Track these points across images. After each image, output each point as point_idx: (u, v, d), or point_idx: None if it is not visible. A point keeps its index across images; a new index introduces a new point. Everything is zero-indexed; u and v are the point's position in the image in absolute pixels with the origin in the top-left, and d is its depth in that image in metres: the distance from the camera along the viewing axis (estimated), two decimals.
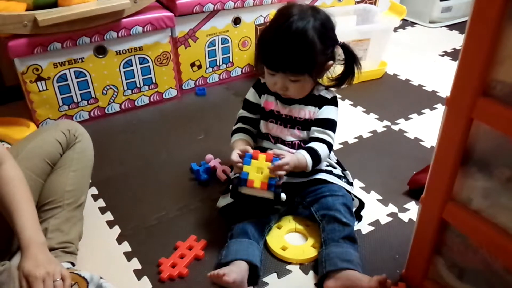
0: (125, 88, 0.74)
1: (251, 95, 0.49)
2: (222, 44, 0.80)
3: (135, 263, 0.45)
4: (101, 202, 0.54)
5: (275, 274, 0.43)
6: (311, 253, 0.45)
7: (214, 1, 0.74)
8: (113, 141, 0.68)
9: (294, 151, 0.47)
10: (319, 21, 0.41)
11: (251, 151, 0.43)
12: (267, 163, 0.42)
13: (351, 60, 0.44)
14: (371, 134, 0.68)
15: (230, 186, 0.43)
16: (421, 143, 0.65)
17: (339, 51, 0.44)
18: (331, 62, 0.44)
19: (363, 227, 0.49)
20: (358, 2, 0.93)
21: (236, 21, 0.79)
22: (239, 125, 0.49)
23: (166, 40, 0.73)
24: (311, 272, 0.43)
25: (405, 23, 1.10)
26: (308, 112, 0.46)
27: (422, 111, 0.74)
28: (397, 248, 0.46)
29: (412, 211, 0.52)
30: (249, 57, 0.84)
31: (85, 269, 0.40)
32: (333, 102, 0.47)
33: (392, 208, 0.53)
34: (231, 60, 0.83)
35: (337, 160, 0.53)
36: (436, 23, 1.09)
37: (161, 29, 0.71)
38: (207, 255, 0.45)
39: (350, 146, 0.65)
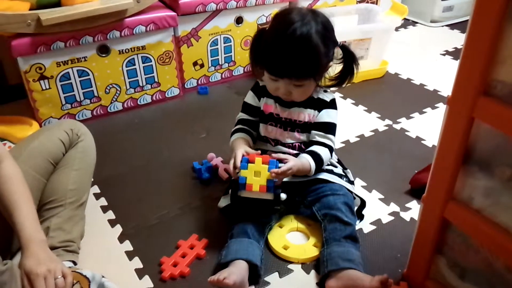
0: (128, 87, 0.74)
1: (250, 98, 0.49)
2: (224, 43, 0.81)
3: (137, 262, 0.45)
4: (103, 201, 0.55)
5: (276, 273, 0.43)
6: (313, 252, 0.45)
7: (216, 1, 0.75)
8: (115, 140, 0.68)
9: (295, 152, 0.47)
10: (320, 24, 0.41)
11: (252, 151, 0.43)
12: (264, 165, 0.41)
13: (350, 59, 0.44)
14: (372, 133, 0.68)
15: (230, 191, 0.43)
16: (422, 142, 0.65)
17: (337, 51, 0.44)
18: (331, 63, 0.44)
19: (364, 226, 0.49)
20: (359, 2, 0.94)
21: (239, 20, 0.80)
22: (239, 126, 0.49)
23: (169, 39, 0.74)
24: (312, 272, 0.43)
25: (406, 23, 1.10)
26: (307, 115, 0.46)
27: (424, 110, 0.74)
28: (398, 247, 0.46)
29: (413, 210, 0.52)
30: None
31: (87, 267, 0.40)
32: (332, 104, 0.47)
33: (393, 207, 0.53)
34: (233, 59, 0.83)
35: (338, 159, 0.53)
36: (438, 23, 1.09)
37: (164, 29, 0.72)
38: (209, 254, 0.45)
39: (352, 145, 0.65)
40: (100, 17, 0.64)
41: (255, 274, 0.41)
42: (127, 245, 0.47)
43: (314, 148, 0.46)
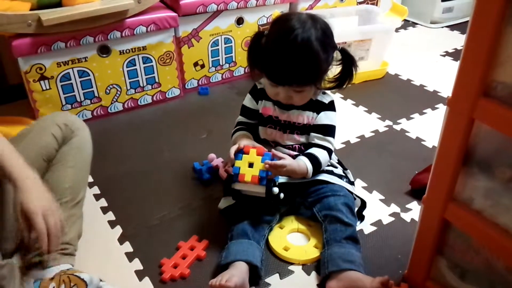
0: (128, 87, 0.74)
1: (248, 101, 0.49)
2: (225, 43, 0.81)
3: (137, 264, 0.45)
4: (103, 202, 0.55)
5: (277, 274, 0.43)
6: (314, 253, 0.45)
7: (217, 2, 0.75)
8: (115, 141, 0.68)
9: (294, 153, 0.47)
10: (320, 31, 0.41)
11: (257, 145, 0.43)
12: (258, 157, 0.41)
13: (349, 62, 0.44)
14: (373, 134, 0.68)
15: (224, 202, 0.44)
16: (423, 142, 0.65)
17: (336, 53, 0.44)
18: (330, 66, 0.44)
19: (365, 227, 0.49)
20: (360, 3, 0.94)
21: (239, 21, 0.80)
22: (239, 127, 0.49)
23: (170, 40, 0.74)
24: (313, 273, 0.43)
25: (406, 24, 1.10)
26: (306, 117, 0.46)
27: (424, 111, 0.74)
28: (399, 248, 0.46)
29: (414, 211, 0.52)
30: None
31: (86, 269, 0.40)
32: (331, 106, 0.47)
33: (394, 208, 0.53)
34: (234, 59, 0.84)
35: (338, 159, 0.53)
36: (438, 24, 1.09)
37: (165, 29, 0.72)
38: (209, 256, 0.45)
39: (352, 146, 0.65)
40: (101, 17, 0.64)
41: (256, 276, 0.41)
42: (127, 247, 0.47)
43: (313, 150, 0.45)
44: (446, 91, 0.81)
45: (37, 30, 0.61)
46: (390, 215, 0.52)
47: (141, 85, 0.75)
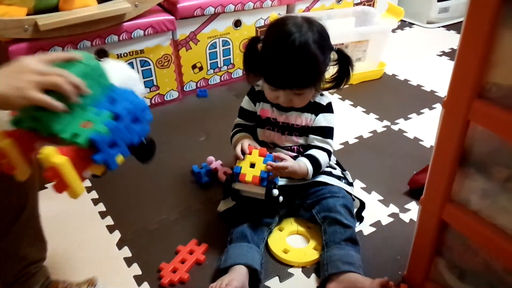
0: None
1: (246, 103, 0.50)
2: (223, 46, 0.81)
3: (136, 269, 0.44)
4: (101, 207, 0.54)
5: (277, 278, 0.43)
6: (313, 255, 0.45)
7: (214, 5, 0.75)
8: None
9: (293, 154, 0.47)
10: (317, 33, 0.41)
11: (258, 147, 0.43)
12: (260, 158, 0.42)
13: (345, 62, 0.44)
14: (371, 134, 0.68)
15: (222, 205, 0.44)
16: (420, 142, 0.66)
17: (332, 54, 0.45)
18: (327, 67, 0.44)
19: (364, 228, 0.49)
20: (356, 4, 0.94)
21: (237, 23, 0.80)
22: (238, 128, 0.49)
23: (167, 43, 0.74)
24: (313, 275, 0.43)
25: (403, 24, 1.11)
26: (304, 119, 0.46)
27: (421, 110, 0.74)
28: (398, 249, 0.46)
29: (413, 211, 0.52)
30: None
31: (85, 274, 0.40)
32: (329, 108, 0.47)
33: (393, 208, 0.53)
34: (232, 61, 0.84)
35: (336, 160, 0.53)
36: (434, 24, 1.10)
37: (162, 32, 0.72)
38: (208, 259, 0.45)
39: (351, 146, 0.65)
40: (98, 21, 0.64)
41: (255, 279, 0.41)
42: (126, 251, 0.47)
43: (313, 152, 0.46)
44: (443, 90, 0.80)
45: (34, 35, 0.61)
46: (389, 215, 0.52)
47: None
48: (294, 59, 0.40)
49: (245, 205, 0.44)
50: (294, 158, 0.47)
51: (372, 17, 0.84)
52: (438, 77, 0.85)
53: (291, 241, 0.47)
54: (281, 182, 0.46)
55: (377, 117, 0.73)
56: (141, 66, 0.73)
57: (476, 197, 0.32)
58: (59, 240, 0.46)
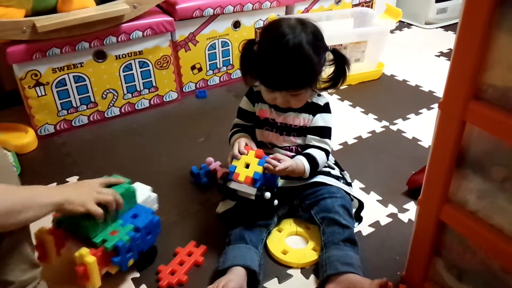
0: (125, 92, 0.74)
1: (245, 103, 0.50)
2: (222, 47, 0.81)
3: (133, 271, 0.44)
4: None
5: (276, 279, 0.43)
6: (312, 256, 0.45)
7: (213, 6, 0.75)
8: (112, 145, 0.67)
9: (292, 154, 0.47)
10: (310, 34, 0.41)
11: (255, 148, 0.44)
12: (255, 159, 0.42)
13: (341, 61, 0.44)
14: (370, 135, 0.68)
15: (219, 180, 0.44)
16: (419, 142, 0.66)
17: (328, 54, 0.45)
18: (323, 67, 0.45)
19: (363, 228, 0.50)
20: (355, 5, 0.95)
21: (236, 24, 0.80)
22: (237, 129, 0.50)
23: (166, 44, 0.74)
24: (312, 276, 0.43)
25: (401, 25, 1.11)
26: (302, 119, 0.47)
27: (420, 111, 0.75)
28: (397, 249, 0.46)
29: (411, 211, 0.52)
30: None
31: None
32: (326, 108, 0.47)
33: (391, 208, 0.53)
34: (231, 62, 0.84)
35: (335, 161, 0.53)
36: (432, 24, 1.10)
37: (161, 34, 0.72)
38: (207, 261, 0.45)
39: (350, 147, 0.65)
40: (96, 23, 0.64)
41: (254, 280, 0.41)
42: None
43: (310, 151, 0.46)
44: (441, 91, 0.80)
45: (32, 37, 0.61)
46: (387, 215, 0.52)
47: (138, 89, 0.75)
48: (288, 61, 0.41)
49: (243, 206, 0.44)
50: (292, 158, 0.47)
51: (370, 18, 0.84)
52: (436, 77, 0.85)
53: (290, 242, 0.47)
54: (279, 183, 0.46)
55: (376, 117, 0.73)
56: (140, 67, 0.73)
57: (474, 198, 0.32)
58: None
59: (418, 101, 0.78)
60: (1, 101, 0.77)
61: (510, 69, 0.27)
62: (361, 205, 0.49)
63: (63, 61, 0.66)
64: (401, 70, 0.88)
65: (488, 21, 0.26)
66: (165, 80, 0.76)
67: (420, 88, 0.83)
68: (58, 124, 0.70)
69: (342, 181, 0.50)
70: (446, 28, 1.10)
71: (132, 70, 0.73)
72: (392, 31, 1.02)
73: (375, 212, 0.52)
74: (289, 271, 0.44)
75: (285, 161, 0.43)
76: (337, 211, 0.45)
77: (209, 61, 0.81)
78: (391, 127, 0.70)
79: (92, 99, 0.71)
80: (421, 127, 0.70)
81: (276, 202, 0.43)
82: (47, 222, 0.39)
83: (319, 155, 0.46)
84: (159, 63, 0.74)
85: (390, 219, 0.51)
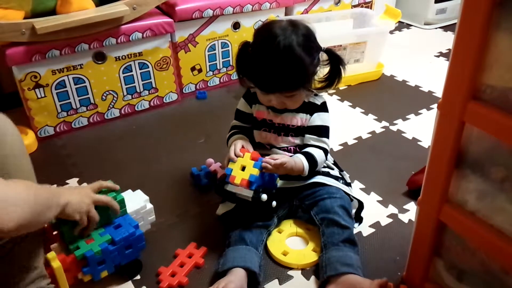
0: (125, 93, 0.74)
1: (242, 105, 0.49)
2: (222, 48, 0.81)
3: None
4: None
5: (276, 280, 0.43)
6: (312, 257, 0.45)
7: (213, 7, 0.75)
8: (112, 147, 0.67)
9: (290, 154, 0.47)
10: (301, 36, 0.41)
11: (251, 150, 0.44)
12: (251, 161, 0.42)
13: (336, 61, 0.44)
14: (370, 135, 0.68)
15: (217, 182, 0.44)
16: (419, 143, 0.66)
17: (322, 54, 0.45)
18: (318, 67, 0.44)
19: (363, 229, 0.50)
20: (354, 6, 0.95)
21: (236, 25, 0.80)
22: (234, 130, 0.50)
23: (166, 45, 0.74)
24: (312, 277, 0.43)
25: (401, 25, 1.11)
26: (300, 119, 0.47)
27: (419, 111, 0.75)
28: (397, 250, 0.46)
29: (411, 211, 0.52)
30: None
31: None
32: (323, 107, 0.47)
33: (392, 209, 0.53)
34: (231, 63, 0.84)
35: (334, 161, 0.53)
36: (431, 25, 1.10)
37: (161, 35, 0.72)
38: (207, 263, 0.44)
39: (350, 147, 0.65)
40: (96, 24, 0.64)
41: (254, 281, 0.41)
42: None
43: (309, 149, 0.46)
44: (441, 91, 0.80)
45: (31, 38, 0.61)
46: (388, 216, 0.52)
47: (138, 90, 0.75)
48: (279, 63, 0.40)
49: (243, 207, 0.44)
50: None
51: (370, 19, 0.84)
52: (435, 77, 0.85)
53: (290, 243, 0.47)
54: (278, 183, 0.46)
55: (376, 117, 0.73)
56: (140, 69, 0.73)
57: (473, 198, 0.32)
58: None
59: (417, 102, 0.78)
60: (1, 103, 0.76)
61: (509, 69, 0.27)
62: (361, 206, 0.49)
63: (62, 63, 0.66)
64: (400, 71, 0.89)
65: (487, 21, 0.27)
66: (165, 81, 0.77)
67: (420, 88, 0.83)
68: (57, 126, 0.70)
69: (341, 181, 0.49)
70: (446, 28, 1.10)
71: (132, 71, 0.73)
72: (391, 32, 1.02)
73: (375, 212, 0.52)
74: (290, 272, 0.44)
75: (282, 157, 0.43)
76: (336, 212, 0.45)
77: (209, 62, 0.81)
78: (391, 127, 0.70)
79: (92, 101, 0.71)
80: (421, 128, 0.70)
81: (274, 203, 0.43)
82: None
83: (318, 154, 0.45)
84: (158, 64, 0.74)
85: (390, 220, 0.51)
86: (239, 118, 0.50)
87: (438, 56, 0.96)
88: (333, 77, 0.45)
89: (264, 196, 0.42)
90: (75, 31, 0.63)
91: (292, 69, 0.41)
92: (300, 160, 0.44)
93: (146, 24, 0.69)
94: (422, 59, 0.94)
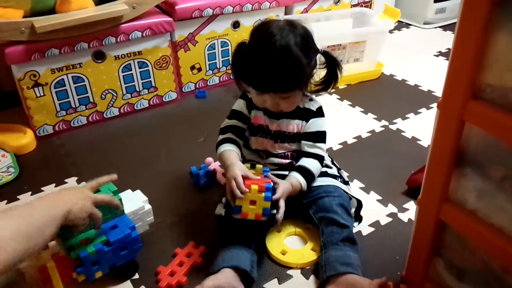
0: (124, 92, 0.74)
1: (240, 106, 0.48)
2: (221, 47, 0.81)
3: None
4: None
5: (275, 279, 0.43)
6: (311, 256, 0.45)
7: (213, 6, 0.75)
8: (111, 146, 0.67)
9: (287, 161, 0.47)
10: (299, 36, 0.41)
11: (251, 175, 0.41)
12: (260, 194, 0.39)
13: (333, 64, 0.44)
14: (369, 134, 0.68)
15: (223, 211, 0.42)
16: (418, 142, 0.66)
17: (319, 57, 0.44)
18: (314, 70, 0.44)
19: (363, 228, 0.49)
20: (354, 6, 0.95)
21: (235, 25, 0.80)
22: (226, 136, 0.46)
23: (166, 44, 0.74)
24: (312, 277, 0.43)
25: (400, 25, 1.12)
26: (296, 125, 0.46)
27: (419, 110, 0.75)
28: (397, 249, 0.46)
29: (411, 211, 0.52)
30: None
31: None
32: (319, 113, 0.47)
33: (391, 208, 0.53)
34: (231, 62, 0.83)
35: (332, 159, 0.53)
36: (431, 24, 1.11)
37: (160, 34, 0.72)
38: (206, 262, 0.44)
39: (350, 146, 0.65)
40: (95, 23, 0.64)
41: (248, 279, 0.41)
42: None
43: (304, 163, 0.45)
44: (440, 90, 0.80)
45: (31, 37, 0.61)
46: (387, 215, 0.52)
47: (137, 89, 0.75)
48: (276, 62, 0.40)
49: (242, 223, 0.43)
50: (288, 164, 0.47)
51: (369, 18, 0.84)
52: (435, 77, 0.85)
53: (289, 242, 0.47)
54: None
55: (375, 117, 0.73)
56: (139, 68, 0.73)
57: (473, 197, 0.32)
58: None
59: (417, 101, 0.78)
60: (0, 102, 0.76)
61: (508, 68, 0.27)
62: (359, 204, 0.49)
63: (62, 62, 0.66)
64: (400, 70, 0.89)
65: (486, 21, 0.27)
66: (165, 80, 0.76)
67: (419, 87, 0.83)
68: (57, 125, 0.70)
69: (339, 179, 0.49)
70: (445, 28, 1.10)
71: (131, 70, 0.72)
72: (391, 31, 1.02)
73: (375, 211, 0.52)
74: (289, 272, 0.44)
75: (278, 185, 0.41)
76: (335, 211, 0.44)
77: (208, 61, 0.81)
78: (391, 126, 0.70)
79: (91, 100, 0.71)
80: (421, 127, 0.70)
81: (274, 211, 0.42)
82: None
83: (313, 165, 0.45)
84: (158, 63, 0.74)
85: (390, 219, 0.51)
86: (235, 117, 0.48)
87: (437, 56, 0.96)
88: (330, 80, 0.45)
89: (274, 211, 0.41)
90: (75, 30, 0.63)
91: (288, 69, 0.40)
92: (297, 181, 0.44)
93: (145, 23, 0.69)
94: (421, 58, 0.94)
